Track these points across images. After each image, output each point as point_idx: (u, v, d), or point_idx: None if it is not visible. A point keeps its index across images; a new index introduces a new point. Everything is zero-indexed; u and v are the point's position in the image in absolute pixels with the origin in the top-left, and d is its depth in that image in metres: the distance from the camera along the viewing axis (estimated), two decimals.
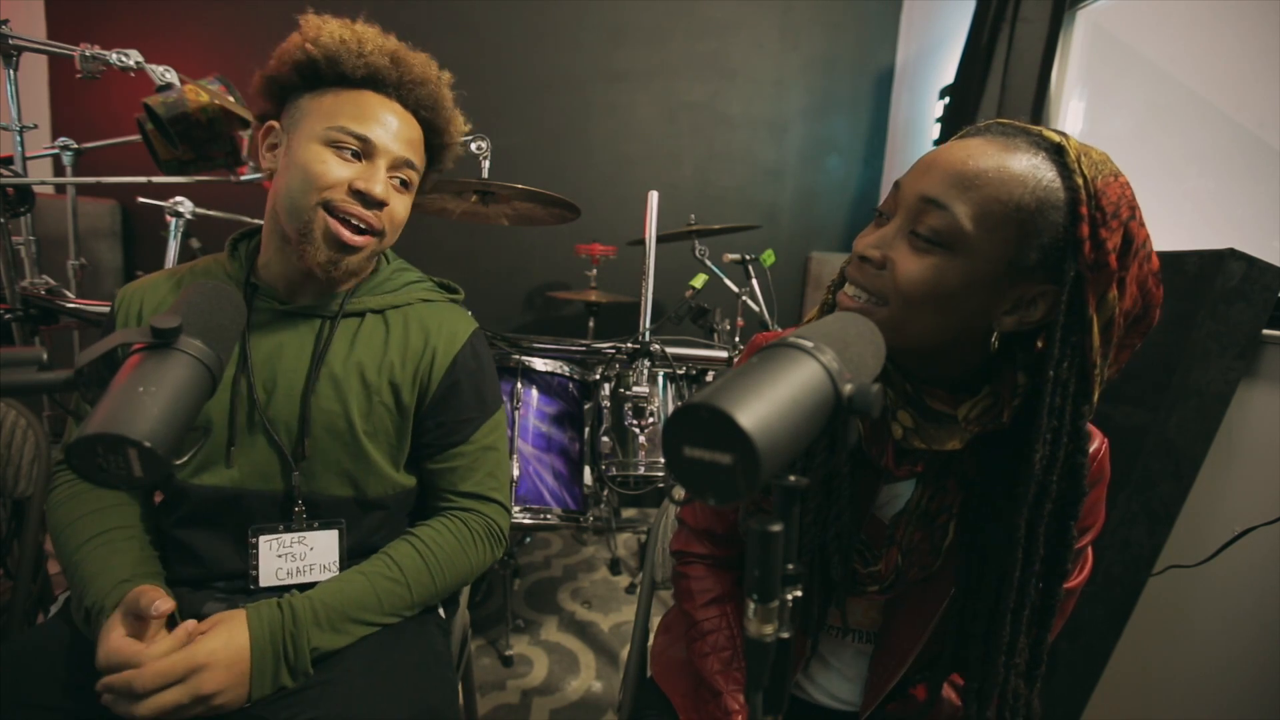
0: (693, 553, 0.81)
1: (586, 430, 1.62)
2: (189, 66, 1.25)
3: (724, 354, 1.66)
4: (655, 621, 0.95)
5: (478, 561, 0.86)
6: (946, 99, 2.27)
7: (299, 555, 0.80)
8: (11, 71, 1.41)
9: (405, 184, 0.81)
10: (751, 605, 0.36)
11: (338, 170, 0.75)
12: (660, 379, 1.60)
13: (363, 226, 0.76)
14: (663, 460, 1.50)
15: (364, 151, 0.76)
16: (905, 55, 2.79)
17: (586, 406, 1.63)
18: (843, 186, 2.89)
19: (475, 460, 0.88)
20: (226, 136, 1.18)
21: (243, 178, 1.36)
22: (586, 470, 1.59)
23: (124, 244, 2.42)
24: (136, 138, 1.25)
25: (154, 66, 1.20)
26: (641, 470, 1.53)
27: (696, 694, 0.73)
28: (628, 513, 2.70)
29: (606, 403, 1.59)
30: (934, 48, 2.55)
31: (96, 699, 0.63)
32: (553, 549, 2.38)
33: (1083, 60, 2.04)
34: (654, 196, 1.46)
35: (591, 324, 2.42)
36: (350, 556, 0.82)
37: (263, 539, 0.79)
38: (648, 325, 1.48)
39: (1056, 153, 0.53)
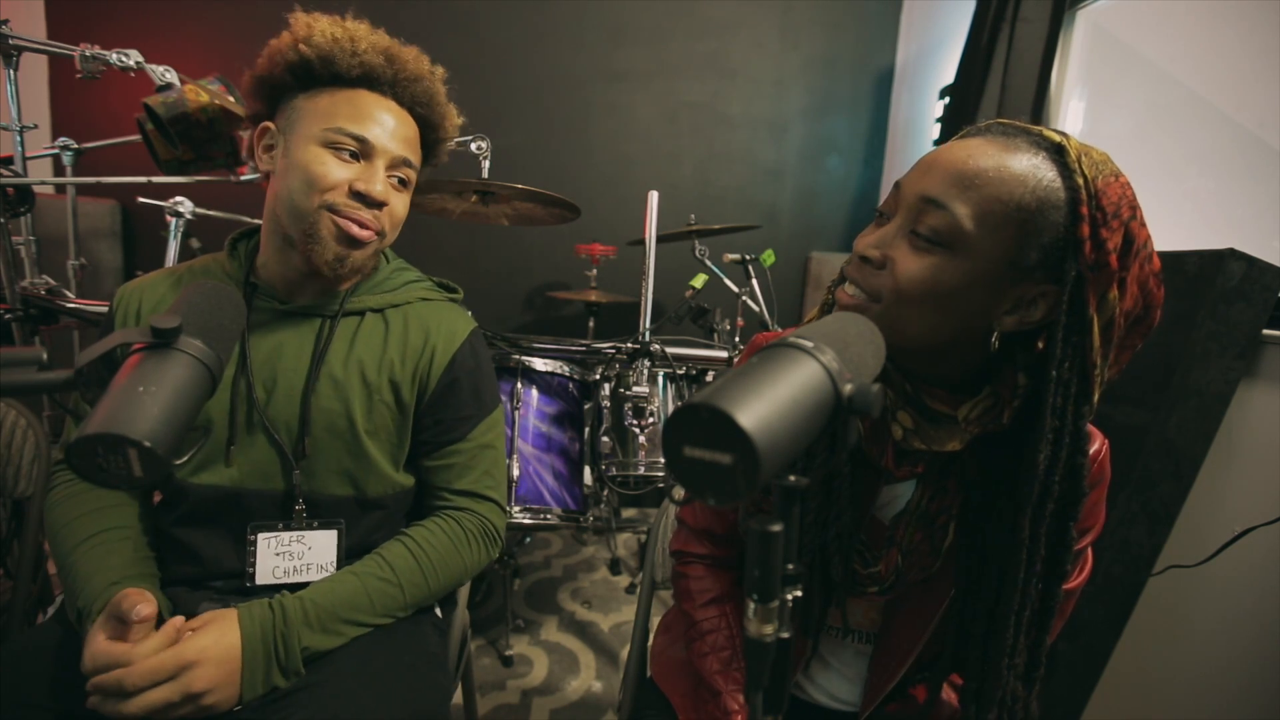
0: (692, 553, 0.81)
1: (586, 430, 1.62)
2: (189, 66, 1.25)
3: (724, 354, 1.66)
4: (655, 621, 0.95)
5: (472, 561, 0.86)
6: (946, 99, 2.27)
7: (297, 554, 0.80)
8: (11, 71, 1.41)
9: (404, 182, 0.81)
10: (751, 605, 0.36)
11: (337, 172, 0.75)
12: (660, 379, 1.60)
13: (366, 225, 0.77)
14: (663, 460, 1.50)
15: (362, 152, 0.76)
16: (905, 55, 2.79)
17: (586, 406, 1.63)
18: (843, 186, 2.89)
19: (472, 458, 0.88)
20: (226, 136, 1.18)
21: (243, 178, 1.36)
22: (586, 470, 1.59)
23: (124, 244, 2.42)
24: (136, 138, 1.25)
25: (154, 66, 1.20)
26: (641, 470, 1.53)
27: (696, 694, 0.73)
28: (628, 513, 2.70)
29: (606, 403, 1.59)
30: (934, 48, 2.55)
31: None
32: (553, 549, 2.38)
33: (1083, 60, 2.04)
34: (654, 196, 1.46)
35: (591, 324, 2.42)
36: (349, 556, 0.82)
37: (261, 536, 0.79)
38: (648, 325, 1.48)
39: (1057, 152, 0.53)
